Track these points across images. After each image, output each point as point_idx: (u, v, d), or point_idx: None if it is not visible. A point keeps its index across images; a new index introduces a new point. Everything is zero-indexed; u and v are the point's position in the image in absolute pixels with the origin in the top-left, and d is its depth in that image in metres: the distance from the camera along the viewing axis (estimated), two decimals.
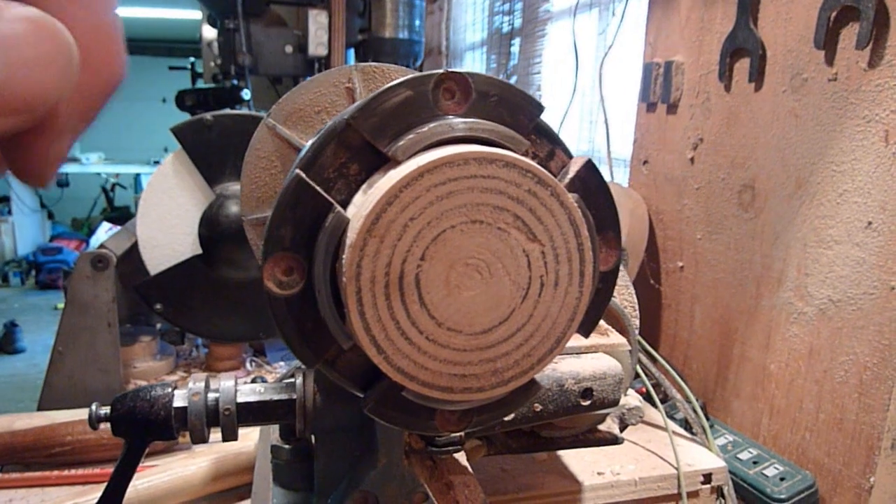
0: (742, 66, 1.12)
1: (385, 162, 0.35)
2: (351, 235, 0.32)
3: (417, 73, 0.35)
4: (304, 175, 0.34)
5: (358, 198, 0.35)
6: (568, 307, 0.35)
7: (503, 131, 0.35)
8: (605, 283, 0.40)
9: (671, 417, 1.09)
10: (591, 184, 0.38)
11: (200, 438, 0.56)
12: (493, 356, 0.35)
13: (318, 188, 0.34)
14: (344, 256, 0.32)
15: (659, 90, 1.32)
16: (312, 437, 0.63)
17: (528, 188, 0.33)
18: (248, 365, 1.32)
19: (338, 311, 0.34)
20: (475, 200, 0.32)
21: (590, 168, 0.38)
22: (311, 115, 0.60)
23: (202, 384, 0.57)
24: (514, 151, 0.35)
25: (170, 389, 0.56)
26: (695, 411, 1.06)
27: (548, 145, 0.38)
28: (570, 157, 0.39)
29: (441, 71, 0.35)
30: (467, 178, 0.32)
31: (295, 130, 0.60)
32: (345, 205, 0.35)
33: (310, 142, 0.37)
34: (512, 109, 0.36)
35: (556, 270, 0.35)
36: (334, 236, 0.33)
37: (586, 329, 0.39)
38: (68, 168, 6.56)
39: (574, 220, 0.34)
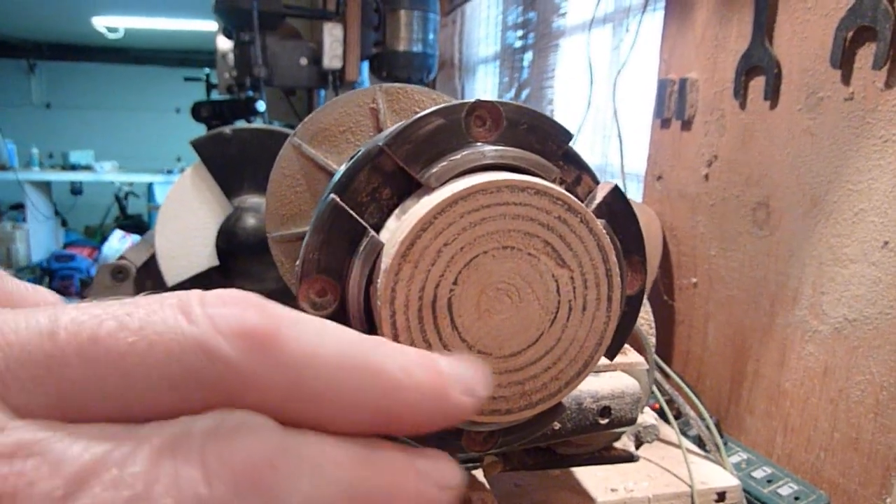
0: (757, 84, 1.12)
1: (417, 187, 0.36)
2: (386, 260, 0.33)
3: (449, 102, 0.36)
4: (338, 199, 0.35)
5: (391, 223, 0.36)
6: (595, 331, 0.36)
7: (533, 158, 0.36)
8: (631, 306, 0.40)
9: (685, 434, 1.09)
10: (617, 209, 0.39)
11: None
12: (522, 379, 0.35)
13: (352, 213, 0.35)
14: (378, 280, 0.33)
15: (673, 106, 1.33)
16: None
17: (559, 215, 0.34)
18: None
19: (371, 333, 0.35)
20: (507, 227, 0.33)
21: (616, 194, 0.39)
22: (336, 135, 0.62)
23: None
24: (545, 178, 0.36)
25: None
26: (708, 428, 1.06)
27: (575, 171, 0.39)
28: (597, 182, 0.40)
29: (473, 100, 0.36)
30: (500, 206, 0.33)
31: (320, 150, 0.62)
32: (377, 228, 0.36)
33: (344, 166, 0.37)
34: (541, 137, 0.37)
35: (585, 295, 0.35)
36: (369, 260, 0.34)
37: (612, 352, 0.40)
38: (82, 176, 6.63)
39: (602, 247, 0.35)
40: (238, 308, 0.20)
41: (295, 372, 0.20)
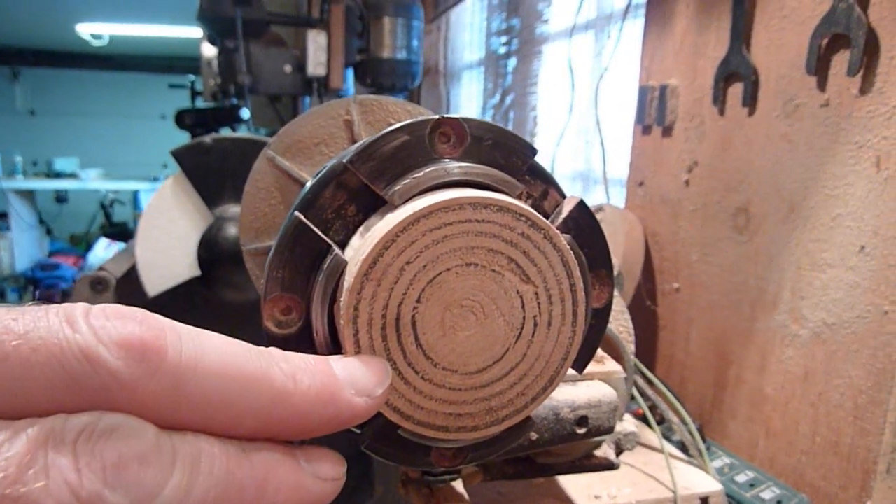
0: (735, 91, 1.13)
1: (382, 204, 0.36)
2: (348, 279, 0.32)
3: (414, 119, 0.36)
4: (302, 217, 0.35)
5: (355, 240, 0.36)
6: (561, 346, 0.36)
7: (497, 175, 0.36)
8: (599, 319, 0.41)
9: (667, 439, 1.10)
10: (583, 223, 0.39)
11: None
12: (488, 395, 0.35)
13: (316, 230, 0.35)
14: (341, 299, 0.33)
15: (654, 113, 1.34)
16: None
17: (522, 231, 0.34)
18: None
19: (335, 351, 0.35)
20: (470, 244, 0.33)
21: (581, 208, 0.39)
22: (310, 147, 0.61)
23: None
24: (509, 194, 0.36)
25: None
26: (691, 434, 1.07)
27: (542, 185, 0.39)
28: (563, 195, 0.40)
29: (437, 116, 0.36)
30: (462, 223, 0.33)
31: (294, 162, 0.61)
32: (342, 245, 0.36)
33: (309, 182, 0.37)
34: (506, 152, 0.37)
35: (550, 311, 0.35)
36: (332, 278, 0.34)
37: (580, 366, 0.40)
38: (67, 184, 6.58)
39: (567, 262, 0.35)
40: (121, 320, 0.22)
41: (175, 380, 0.22)
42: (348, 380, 0.28)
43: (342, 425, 0.28)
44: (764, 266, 1.08)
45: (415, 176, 0.35)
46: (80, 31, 6.49)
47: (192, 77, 3.38)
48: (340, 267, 0.34)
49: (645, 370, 1.10)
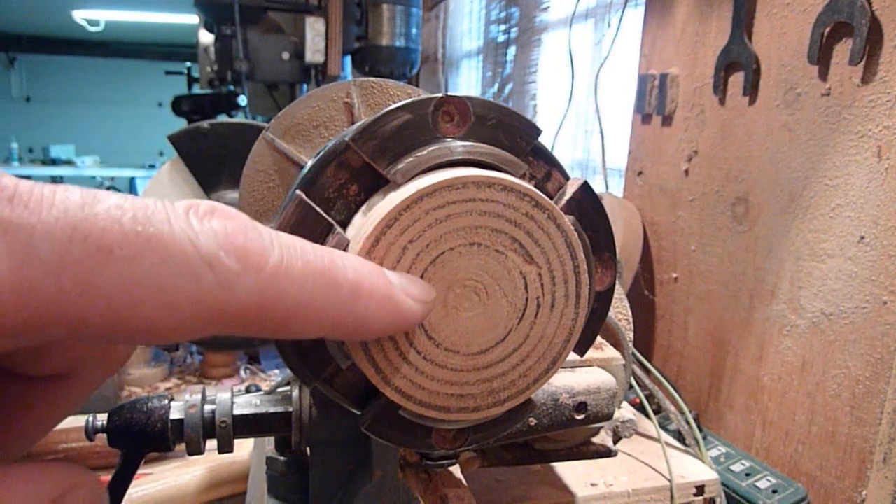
0: (736, 80, 1.13)
1: (384, 183, 0.35)
2: None
3: (417, 97, 0.35)
4: (304, 195, 0.34)
5: (357, 219, 0.35)
6: (564, 328, 0.36)
7: (501, 154, 0.36)
8: (601, 302, 0.40)
9: (664, 428, 1.10)
10: (586, 205, 0.38)
11: (196, 450, 0.56)
12: (490, 376, 0.35)
13: (318, 209, 0.34)
14: None
15: (654, 102, 1.33)
16: (308, 450, 0.63)
17: (526, 211, 0.33)
18: (242, 372, 1.32)
19: None
20: (473, 223, 0.33)
21: (586, 190, 0.38)
22: (309, 130, 0.61)
23: (199, 396, 0.57)
24: (512, 174, 0.35)
25: (166, 401, 0.56)
26: (688, 423, 1.07)
27: (545, 167, 0.39)
28: (567, 178, 0.40)
29: (440, 95, 0.36)
30: (466, 202, 0.32)
31: (293, 144, 0.61)
32: (344, 225, 0.36)
33: (310, 162, 0.37)
34: (510, 132, 0.37)
35: (553, 292, 0.35)
36: None
37: (582, 349, 0.40)
38: (63, 171, 6.55)
39: (570, 243, 0.35)
40: (232, 223, 0.23)
41: (274, 283, 0.23)
42: (401, 286, 0.30)
43: (400, 327, 0.30)
44: (763, 256, 1.08)
45: (418, 155, 0.34)
46: (76, 17, 6.44)
47: (188, 64, 3.36)
48: (343, 245, 0.33)
49: (642, 359, 1.10)
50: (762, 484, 1.01)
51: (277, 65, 2.30)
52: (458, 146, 0.35)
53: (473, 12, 2.67)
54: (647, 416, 1.07)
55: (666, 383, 1.10)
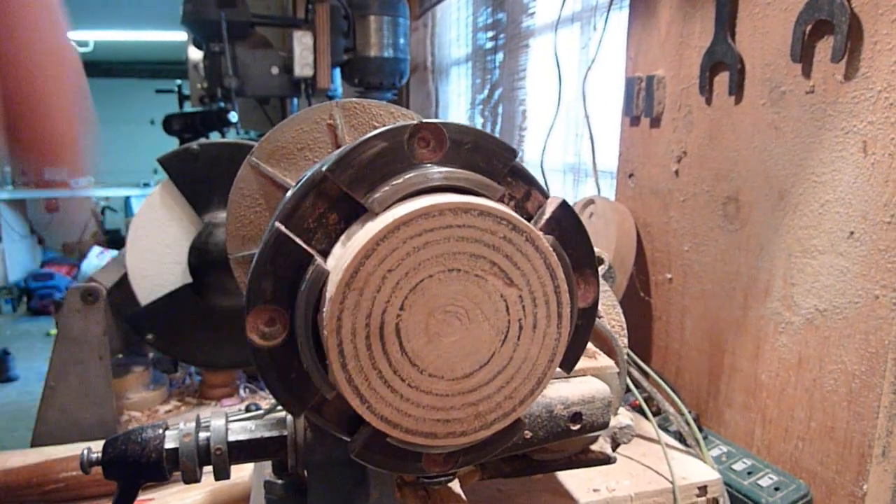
0: (722, 80, 1.13)
1: (363, 211, 0.36)
2: (330, 289, 0.32)
3: (392, 125, 0.36)
4: (283, 228, 0.34)
5: (337, 249, 0.36)
6: (547, 348, 0.36)
7: (478, 179, 0.36)
8: (585, 318, 0.40)
9: (664, 430, 1.10)
10: (566, 223, 0.39)
11: (192, 479, 0.56)
12: (476, 400, 0.35)
13: (297, 240, 0.34)
14: (324, 309, 0.32)
15: (642, 104, 1.33)
16: (305, 472, 0.63)
17: (504, 235, 0.34)
18: (241, 391, 1.32)
19: (320, 361, 0.35)
20: (452, 249, 0.33)
21: (564, 208, 0.39)
22: (293, 153, 0.61)
23: (193, 424, 0.57)
24: (490, 198, 0.36)
25: (161, 431, 0.56)
26: (688, 423, 1.07)
27: (524, 186, 0.39)
28: (546, 196, 0.40)
29: (415, 122, 0.36)
30: (443, 229, 0.33)
31: (278, 168, 0.61)
32: (325, 254, 0.36)
33: (289, 192, 0.37)
34: (486, 155, 0.37)
35: (534, 313, 0.35)
36: (315, 289, 0.33)
37: (568, 366, 0.40)
38: (58, 193, 6.54)
39: (550, 264, 0.35)
40: None
41: None
42: None
43: None
44: (755, 254, 1.09)
45: (394, 183, 0.35)
46: None
47: (179, 81, 3.36)
48: (323, 277, 0.33)
49: (640, 361, 1.10)
50: (764, 482, 1.01)
51: (267, 79, 2.30)
52: (435, 172, 0.35)
53: (461, 20, 2.67)
54: (646, 418, 1.06)
55: (664, 385, 1.10)
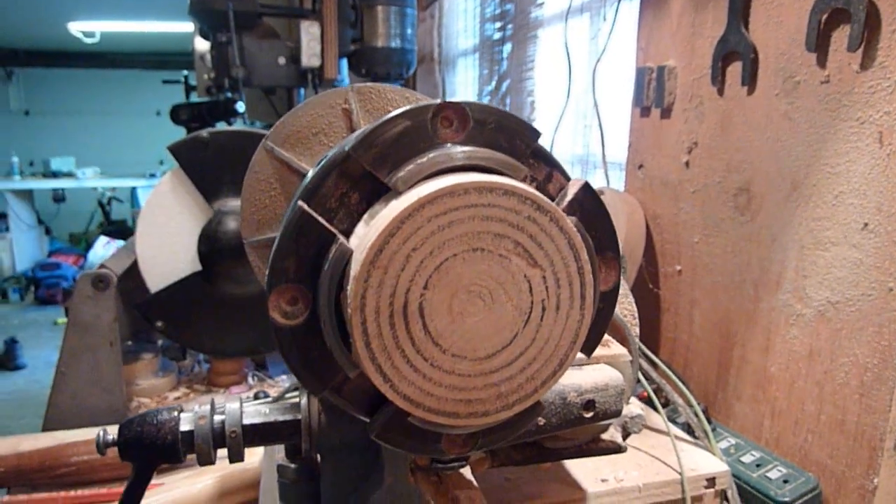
0: (734, 70, 1.13)
1: (385, 191, 0.36)
2: (355, 267, 0.32)
3: (416, 104, 0.35)
4: (306, 206, 0.34)
5: (360, 228, 0.35)
6: (570, 330, 0.36)
7: (501, 158, 0.36)
8: (606, 302, 0.40)
9: (673, 422, 1.10)
10: (588, 206, 0.38)
11: (207, 461, 0.56)
12: (498, 381, 0.35)
13: (320, 219, 0.34)
14: (348, 287, 0.32)
15: (652, 95, 1.33)
16: (318, 456, 0.63)
17: (528, 215, 0.33)
18: (250, 379, 1.32)
19: (343, 340, 0.34)
20: (476, 229, 0.33)
21: (587, 190, 0.38)
22: (308, 137, 0.61)
23: (208, 407, 0.57)
24: (513, 178, 0.35)
25: (176, 413, 0.56)
26: (696, 415, 1.07)
27: (545, 168, 0.39)
28: (568, 178, 0.40)
29: (439, 101, 0.36)
30: (468, 208, 0.32)
31: (293, 152, 0.61)
32: (347, 234, 0.36)
33: (311, 172, 0.37)
34: (509, 135, 0.37)
35: (558, 294, 0.35)
36: (338, 267, 0.33)
37: (589, 349, 0.40)
38: (64, 183, 6.56)
39: (574, 245, 0.35)
40: None
41: None
42: None
43: None
44: (766, 246, 1.08)
45: (418, 162, 0.34)
46: (71, 30, 6.44)
47: (185, 72, 3.36)
48: (346, 255, 0.33)
49: (649, 353, 1.10)
50: (773, 474, 1.01)
51: (274, 70, 2.30)
52: (458, 152, 0.35)
53: (468, 10, 2.66)
54: (655, 409, 1.06)
55: (673, 376, 1.10)
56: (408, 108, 0.35)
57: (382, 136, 0.35)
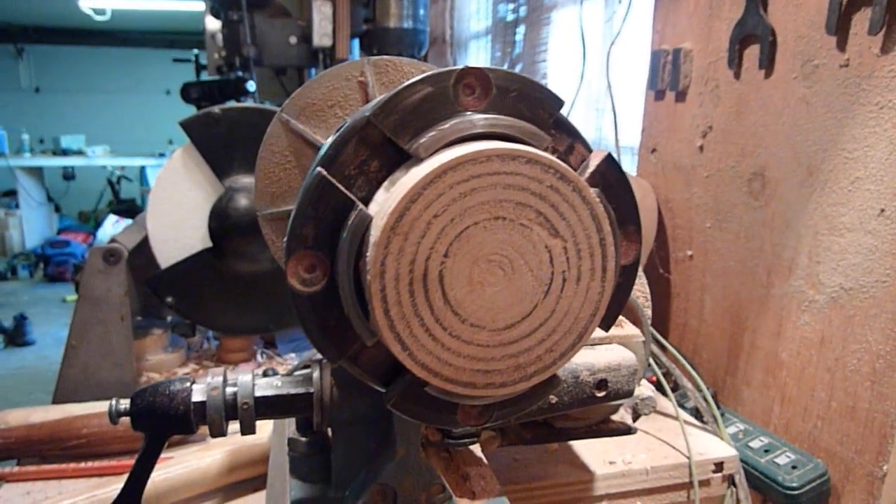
0: (752, 53, 1.11)
1: (406, 159, 0.35)
2: (375, 233, 0.32)
3: (436, 70, 0.35)
4: (325, 173, 0.34)
5: (380, 195, 0.35)
6: (590, 302, 0.35)
7: (524, 127, 0.35)
8: (626, 276, 0.40)
9: (682, 406, 1.10)
10: (611, 178, 0.38)
11: (219, 432, 0.56)
12: (516, 352, 0.35)
13: (339, 186, 0.34)
14: (368, 254, 0.32)
15: (667, 78, 1.31)
16: (329, 430, 0.63)
17: (551, 184, 0.33)
18: (259, 357, 1.33)
19: (361, 308, 0.34)
20: (498, 197, 0.32)
21: (610, 162, 0.38)
22: (324, 110, 0.60)
23: (220, 378, 0.57)
24: (536, 147, 0.35)
25: (188, 384, 0.56)
26: (706, 400, 1.07)
27: (567, 139, 0.38)
28: (590, 150, 0.39)
29: (461, 67, 0.35)
30: (490, 175, 0.32)
31: (308, 125, 0.60)
32: (366, 202, 0.35)
33: (330, 139, 0.37)
34: (532, 104, 0.36)
35: (579, 266, 0.35)
36: (357, 234, 0.33)
37: (607, 323, 0.40)
38: (74, 161, 6.58)
39: (596, 216, 0.34)
40: None
41: None
42: None
43: None
44: (780, 231, 1.07)
45: (440, 128, 0.34)
46: (82, 7, 6.43)
47: (196, 51, 3.35)
48: (366, 222, 0.33)
49: (659, 337, 1.09)
50: (781, 460, 1.01)
51: (285, 49, 2.28)
52: (481, 119, 0.35)
53: None
54: (664, 393, 1.06)
55: (683, 361, 1.09)
56: (430, 73, 0.34)
57: (403, 103, 0.34)
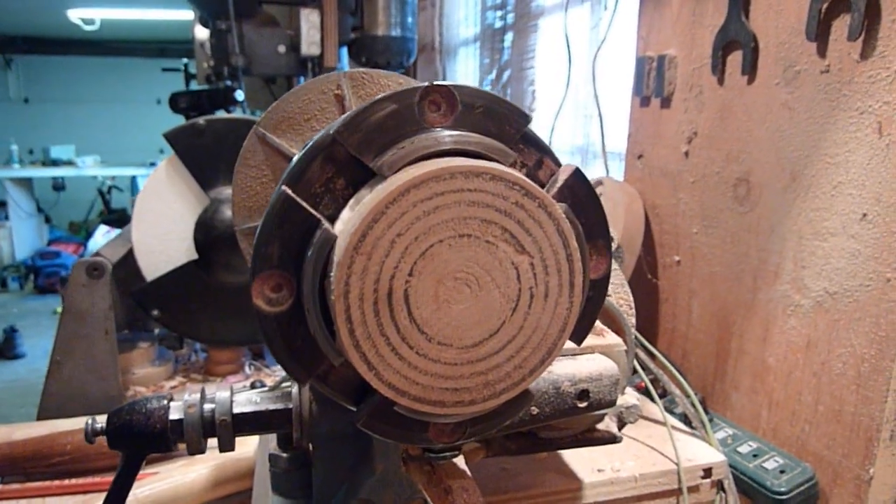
0: (735, 59, 1.12)
1: (371, 176, 0.35)
2: (338, 253, 0.32)
3: (404, 87, 0.35)
4: (290, 191, 0.34)
5: (345, 213, 0.35)
6: (558, 318, 0.35)
7: (490, 143, 0.35)
8: (597, 290, 0.40)
9: (670, 412, 1.09)
10: (579, 192, 0.38)
11: (197, 450, 0.56)
12: (485, 369, 0.35)
13: (304, 204, 0.34)
14: (332, 274, 0.32)
15: (652, 84, 1.32)
16: (310, 445, 0.63)
17: (516, 200, 0.33)
18: (247, 368, 1.32)
19: (327, 328, 0.34)
20: (462, 214, 0.32)
21: (578, 176, 0.38)
22: (300, 123, 0.60)
23: (197, 395, 0.57)
24: (502, 163, 0.35)
25: (165, 402, 0.56)
26: (693, 406, 1.07)
27: (536, 154, 0.38)
28: (559, 164, 0.39)
29: (426, 84, 0.35)
30: (454, 193, 0.32)
31: (284, 138, 0.60)
32: (332, 220, 0.35)
33: (296, 156, 0.36)
34: (498, 120, 0.36)
35: (546, 282, 0.34)
36: (322, 253, 0.33)
37: (578, 337, 0.39)
38: (64, 171, 6.55)
39: (562, 231, 0.34)
40: None
41: None
42: None
43: None
44: (765, 236, 1.07)
45: (404, 146, 0.34)
46: (71, 17, 6.41)
47: (185, 60, 3.35)
48: (330, 241, 0.33)
49: (646, 343, 1.09)
50: (770, 465, 1.01)
51: (274, 58, 2.28)
52: (446, 136, 0.34)
53: None
54: (652, 400, 1.06)
55: (671, 367, 1.09)
56: (394, 91, 0.34)
57: (368, 120, 0.34)
